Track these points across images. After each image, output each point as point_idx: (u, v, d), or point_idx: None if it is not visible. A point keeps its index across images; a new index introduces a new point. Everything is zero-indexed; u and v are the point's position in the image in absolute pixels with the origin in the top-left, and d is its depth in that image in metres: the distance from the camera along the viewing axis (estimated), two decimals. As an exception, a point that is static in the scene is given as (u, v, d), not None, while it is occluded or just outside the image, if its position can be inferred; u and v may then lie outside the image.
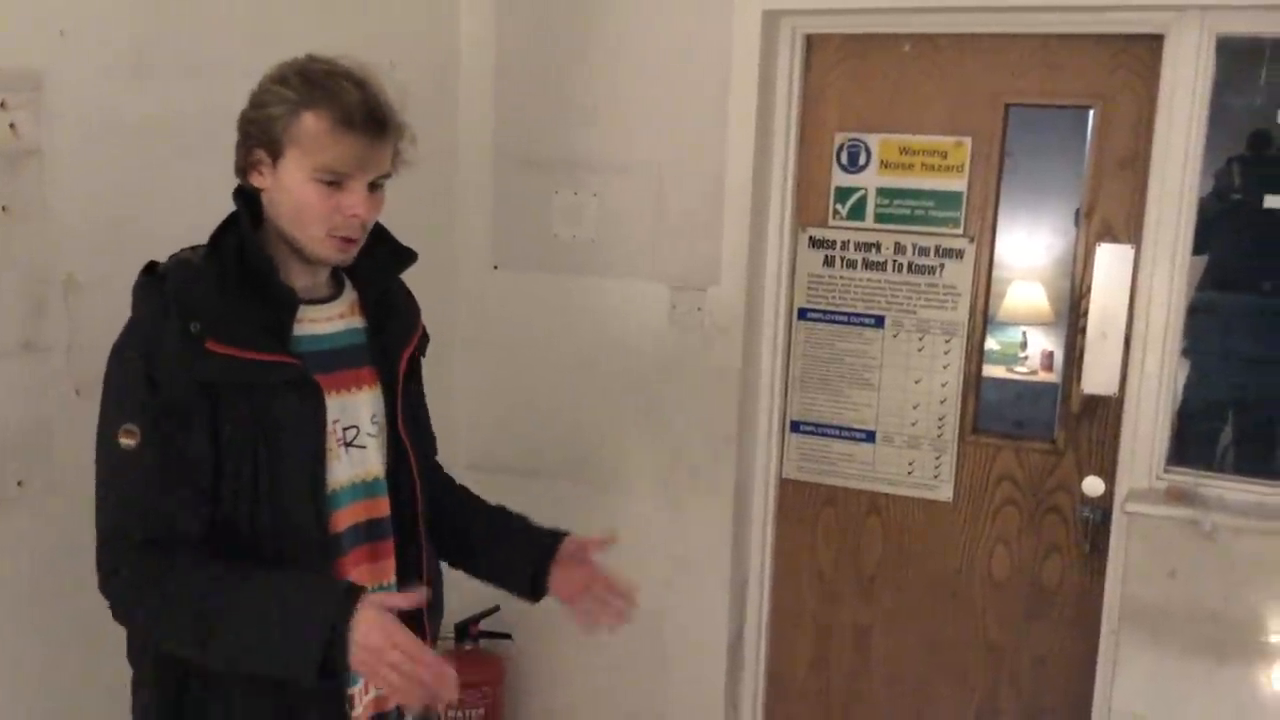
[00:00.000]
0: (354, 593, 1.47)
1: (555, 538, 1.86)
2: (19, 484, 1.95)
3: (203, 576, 1.50)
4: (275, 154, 1.55)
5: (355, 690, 1.67)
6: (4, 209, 1.89)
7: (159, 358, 1.50)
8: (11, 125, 1.88)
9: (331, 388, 1.62)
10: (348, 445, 1.65)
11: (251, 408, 1.54)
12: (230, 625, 1.47)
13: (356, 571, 1.66)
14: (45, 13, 1.94)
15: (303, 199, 1.55)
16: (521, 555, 1.86)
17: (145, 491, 1.51)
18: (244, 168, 1.59)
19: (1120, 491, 2.67)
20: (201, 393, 1.50)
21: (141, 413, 1.50)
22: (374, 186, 1.60)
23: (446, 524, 1.88)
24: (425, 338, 1.86)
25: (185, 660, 1.54)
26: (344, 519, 1.65)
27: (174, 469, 1.51)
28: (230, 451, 1.53)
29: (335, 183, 1.55)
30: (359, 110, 1.55)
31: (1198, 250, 2.62)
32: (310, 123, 1.53)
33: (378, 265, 1.73)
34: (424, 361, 1.86)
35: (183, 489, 1.51)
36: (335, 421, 1.63)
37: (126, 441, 1.50)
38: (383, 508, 1.71)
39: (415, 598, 1.58)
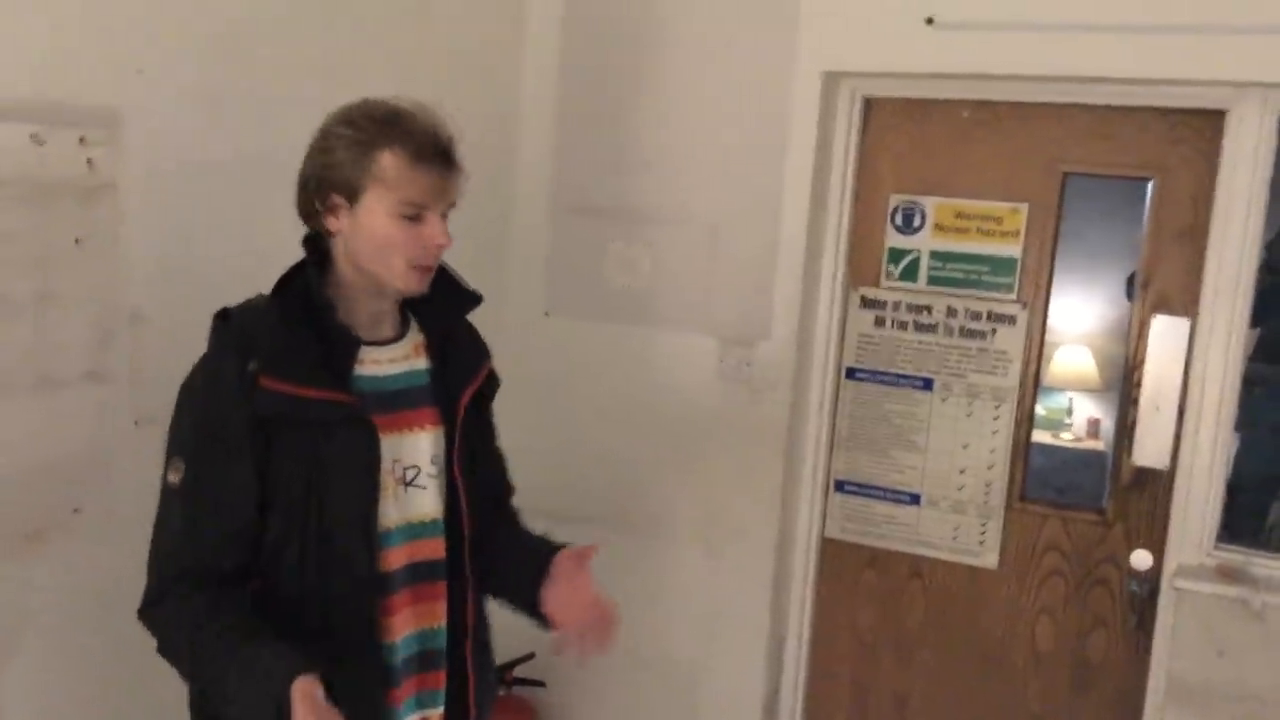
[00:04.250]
0: (290, 677, 1.41)
1: (547, 556, 1.77)
2: (75, 510, 1.98)
3: (205, 634, 1.52)
4: (353, 196, 1.59)
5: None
6: (77, 241, 1.93)
7: (215, 395, 1.55)
8: (89, 161, 1.93)
9: (390, 428, 1.64)
10: (407, 485, 1.67)
11: (305, 445, 1.57)
12: (213, 688, 1.52)
13: (404, 613, 1.67)
14: (124, 52, 1.99)
15: (386, 234, 1.59)
16: (525, 577, 1.77)
17: (184, 527, 1.55)
18: (315, 213, 1.62)
19: (1169, 566, 2.63)
20: (255, 430, 1.53)
21: (189, 449, 1.55)
22: (443, 216, 1.64)
23: (485, 559, 1.81)
24: (494, 379, 1.85)
25: None
26: (396, 558, 1.66)
27: (213, 506, 1.54)
28: (281, 487, 1.56)
29: (415, 216, 1.60)
30: (430, 144, 1.60)
31: (1250, 323, 2.60)
32: (388, 160, 1.57)
33: (444, 307, 1.76)
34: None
35: (221, 526, 1.55)
36: (396, 461, 1.65)
37: (173, 477, 1.55)
38: (436, 549, 1.72)
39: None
